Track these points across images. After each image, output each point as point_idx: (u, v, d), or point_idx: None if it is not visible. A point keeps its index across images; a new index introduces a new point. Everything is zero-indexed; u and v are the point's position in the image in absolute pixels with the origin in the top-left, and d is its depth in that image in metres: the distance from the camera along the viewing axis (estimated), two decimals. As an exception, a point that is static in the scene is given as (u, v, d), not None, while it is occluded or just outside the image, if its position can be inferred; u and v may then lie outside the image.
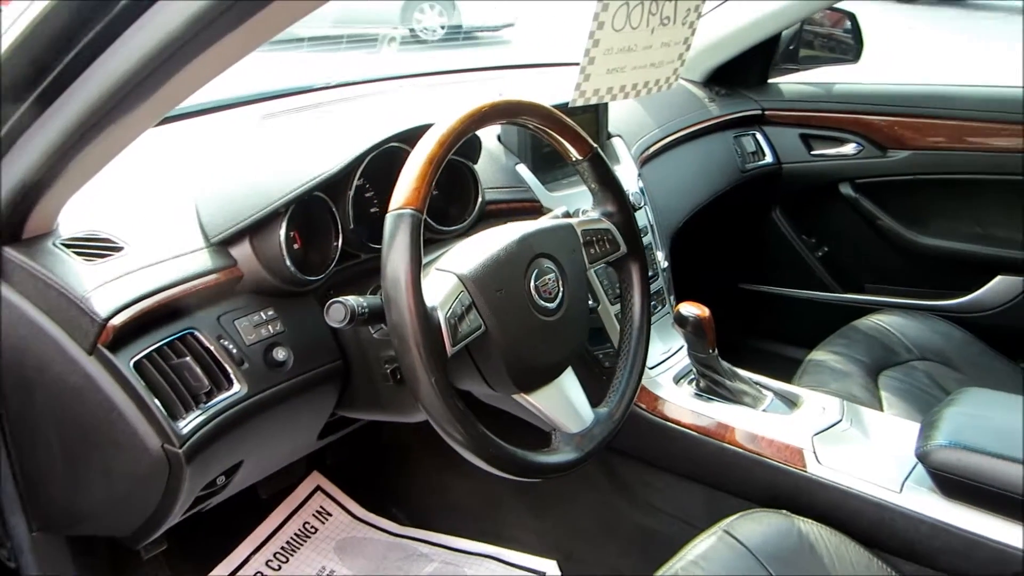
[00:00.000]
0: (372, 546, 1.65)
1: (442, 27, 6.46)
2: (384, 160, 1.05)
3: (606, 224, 1.05)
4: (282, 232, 0.94)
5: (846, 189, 2.03)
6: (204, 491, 1.00)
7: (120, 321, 0.85)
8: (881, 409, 1.49)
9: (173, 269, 0.91)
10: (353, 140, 1.04)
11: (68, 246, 0.90)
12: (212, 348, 0.90)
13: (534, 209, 1.31)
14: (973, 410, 1.13)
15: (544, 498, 1.51)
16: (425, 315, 0.78)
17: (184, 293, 0.90)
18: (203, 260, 0.93)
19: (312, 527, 1.67)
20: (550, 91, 1.27)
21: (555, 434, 0.96)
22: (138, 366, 0.86)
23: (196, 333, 0.90)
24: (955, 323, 1.78)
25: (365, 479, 1.76)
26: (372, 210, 1.12)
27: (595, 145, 1.04)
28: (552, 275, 0.93)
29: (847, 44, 2.11)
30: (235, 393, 0.91)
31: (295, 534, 1.64)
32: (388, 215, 0.79)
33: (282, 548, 1.61)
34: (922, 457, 1.08)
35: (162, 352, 0.88)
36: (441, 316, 0.81)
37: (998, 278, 1.91)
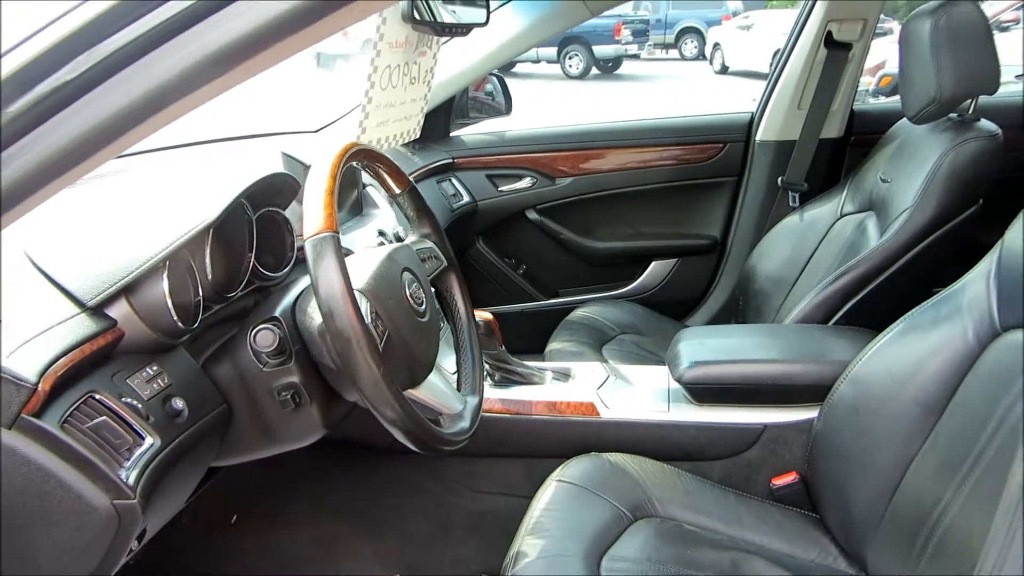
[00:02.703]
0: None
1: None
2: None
3: (429, 243, 1.25)
4: (165, 285, 0.96)
5: (532, 214, 2.47)
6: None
7: (50, 384, 0.82)
8: (614, 373, 1.89)
9: (63, 335, 0.88)
10: (201, 195, 1.07)
11: None
12: (116, 407, 0.89)
13: (335, 251, 1.43)
14: (696, 340, 1.55)
15: (379, 520, 1.60)
16: (363, 320, 0.90)
17: (81, 356, 0.88)
18: (87, 324, 0.91)
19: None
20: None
21: (443, 418, 1.12)
22: (65, 428, 0.83)
23: (97, 395, 0.88)
24: (635, 302, 2.32)
25: (162, 564, 1.64)
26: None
27: (411, 179, 1.23)
28: (416, 284, 1.10)
29: (499, 103, 2.57)
30: (152, 446, 0.90)
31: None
32: (308, 242, 0.90)
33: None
34: (679, 379, 1.46)
35: (75, 416, 0.85)
36: (368, 321, 0.94)
37: (653, 264, 2.50)
